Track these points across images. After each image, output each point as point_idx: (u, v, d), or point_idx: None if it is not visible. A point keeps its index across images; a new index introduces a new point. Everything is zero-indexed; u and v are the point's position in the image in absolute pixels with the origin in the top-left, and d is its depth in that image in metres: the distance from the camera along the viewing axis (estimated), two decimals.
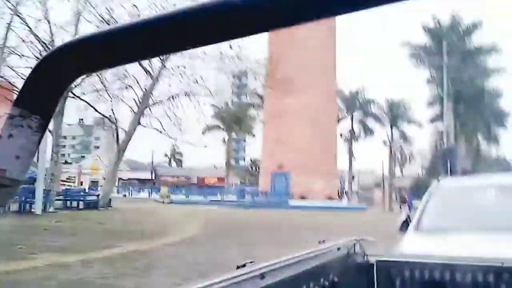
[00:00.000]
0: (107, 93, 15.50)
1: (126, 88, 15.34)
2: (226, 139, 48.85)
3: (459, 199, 4.39)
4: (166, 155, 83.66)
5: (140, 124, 15.87)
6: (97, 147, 78.94)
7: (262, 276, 1.21)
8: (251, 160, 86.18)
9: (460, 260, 1.96)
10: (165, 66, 14.72)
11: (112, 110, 16.18)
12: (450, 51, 33.43)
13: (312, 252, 1.57)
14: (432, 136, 58.31)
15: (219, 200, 34.22)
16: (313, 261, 1.51)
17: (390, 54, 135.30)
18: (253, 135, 53.22)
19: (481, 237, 3.66)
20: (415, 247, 3.75)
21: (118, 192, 40.69)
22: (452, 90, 34.84)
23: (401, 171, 66.80)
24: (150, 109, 15.79)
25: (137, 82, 14.97)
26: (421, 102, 41.73)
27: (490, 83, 38.89)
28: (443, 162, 27.85)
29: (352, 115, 46.63)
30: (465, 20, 37.19)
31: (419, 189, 28.24)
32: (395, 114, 46.21)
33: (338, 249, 1.75)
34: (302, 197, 32.60)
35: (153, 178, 56.54)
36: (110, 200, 20.54)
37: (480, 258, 1.94)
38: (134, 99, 15.35)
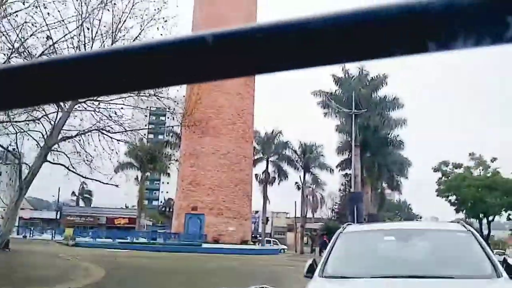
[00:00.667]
0: (12, 126, 14.52)
1: (34, 121, 14.45)
2: (139, 178, 47.36)
3: (362, 245, 4.60)
4: (73, 193, 79.25)
5: (46, 160, 14.95)
6: None
7: None
8: (165, 201, 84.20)
9: None
10: (78, 100, 14.15)
11: (17, 144, 15.15)
12: (358, 101, 35.70)
13: None
14: (341, 181, 61.07)
15: (129, 242, 32.74)
16: None
17: (306, 100, 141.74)
18: (168, 175, 52.27)
19: (381, 284, 3.84)
20: None
21: (18, 233, 37.57)
22: (359, 139, 37.01)
23: (313, 215, 68.80)
24: (58, 145, 14.95)
25: (46, 116, 14.19)
26: (332, 148, 43.68)
27: (393, 134, 41.81)
28: (350, 207, 29.13)
29: (268, 158, 47.65)
30: (371, 72, 40.13)
31: (329, 232, 29.11)
32: (308, 158, 47.94)
33: None
34: (216, 240, 32.19)
35: (58, 218, 53.00)
36: (8, 241, 18.85)
37: None
38: (41, 133, 14.49)
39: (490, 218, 49.86)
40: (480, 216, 48.60)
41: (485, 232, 46.52)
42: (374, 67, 40.37)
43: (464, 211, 48.07)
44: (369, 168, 40.56)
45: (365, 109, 36.06)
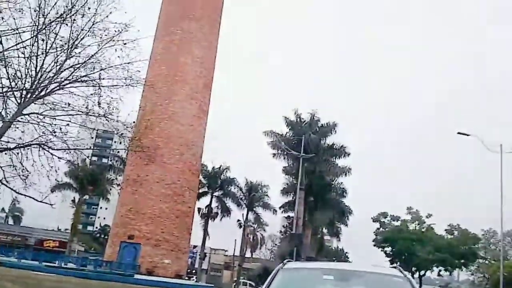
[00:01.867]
0: None
1: None
2: (76, 200, 45.47)
3: (301, 282, 4.60)
4: (3, 209, 74.82)
5: None
6: None
7: None
8: (100, 227, 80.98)
9: None
10: (21, 112, 13.57)
11: None
12: (307, 146, 36.46)
13: None
14: (283, 223, 61.26)
15: (57, 267, 30.94)
16: None
17: (256, 139, 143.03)
18: (108, 200, 50.55)
19: None
20: None
21: None
22: (305, 182, 37.56)
23: (252, 254, 68.25)
24: None
25: None
26: (277, 189, 43.99)
27: (337, 181, 42.79)
28: (290, 247, 29.19)
29: (213, 193, 47.26)
30: (322, 119, 41.27)
31: (266, 273, 28.86)
32: (253, 197, 47.97)
33: None
34: (150, 272, 31.07)
35: None
36: None
37: None
38: None
39: (422, 272, 51.35)
40: (413, 270, 49.98)
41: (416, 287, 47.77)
42: (325, 114, 41.63)
43: (398, 263, 49.29)
44: (312, 213, 41.05)
45: (313, 154, 36.82)
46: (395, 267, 4.72)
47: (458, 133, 31.95)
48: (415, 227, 53.77)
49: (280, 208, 45.77)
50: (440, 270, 52.36)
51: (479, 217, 75.30)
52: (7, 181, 14.13)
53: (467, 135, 31.70)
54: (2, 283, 14.18)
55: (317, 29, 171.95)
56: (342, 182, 42.53)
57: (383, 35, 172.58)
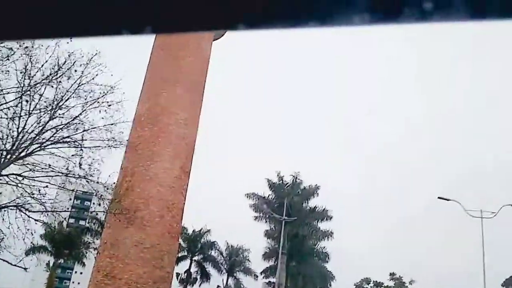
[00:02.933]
0: None
1: None
2: (51, 264, 43.78)
3: None
4: None
5: None
6: None
7: None
8: None
9: None
10: (0, 173, 13.37)
11: None
12: (289, 208, 36.30)
13: None
14: None
15: None
16: None
17: (237, 200, 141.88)
18: (83, 264, 48.73)
19: None
20: None
21: None
22: (287, 246, 37.02)
23: None
24: None
25: None
26: (258, 253, 43.20)
27: (320, 246, 42.26)
28: None
29: (192, 257, 46.08)
30: (305, 182, 41.36)
31: None
32: (233, 262, 46.86)
33: None
34: None
35: None
36: None
37: None
38: None
39: None
40: None
41: None
42: (306, 177, 41.83)
43: None
44: (294, 278, 40.14)
45: (295, 217, 36.59)
46: None
47: (439, 197, 32.36)
48: None
49: (261, 273, 44.69)
50: None
51: (462, 284, 74.43)
52: None
53: (447, 200, 32.09)
54: None
55: (305, 89, 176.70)
56: (324, 247, 42.02)
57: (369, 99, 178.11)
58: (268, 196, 40.70)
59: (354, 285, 55.68)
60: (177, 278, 44.16)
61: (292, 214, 36.41)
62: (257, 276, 46.41)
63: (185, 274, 45.94)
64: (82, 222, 72.00)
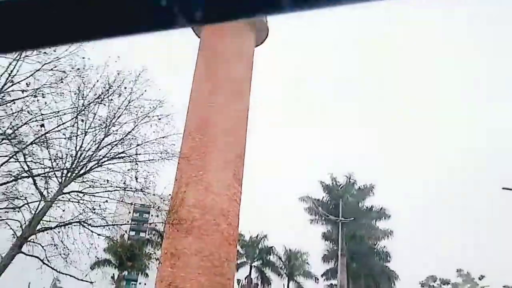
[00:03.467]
0: None
1: (14, 209, 14.06)
2: (116, 277, 45.27)
3: None
4: None
5: (21, 251, 14.29)
6: None
7: None
8: None
9: None
10: (62, 191, 13.93)
11: None
12: (345, 209, 35.67)
13: None
14: None
15: None
16: None
17: (292, 206, 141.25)
18: (147, 275, 50.06)
19: None
20: None
21: None
22: (346, 248, 36.35)
23: None
24: (36, 236, 14.41)
25: (28, 204, 13.84)
26: (317, 256, 42.73)
27: (380, 245, 41.26)
28: None
29: (251, 263, 46.25)
30: (359, 181, 40.62)
31: None
32: (293, 265, 46.59)
33: None
34: None
35: None
36: None
37: None
38: (20, 222, 14.01)
39: None
40: None
41: None
42: (361, 176, 41.02)
43: None
44: (356, 279, 39.33)
45: (352, 218, 35.91)
46: None
47: (503, 188, 30.73)
48: None
49: (322, 276, 44.13)
50: None
51: None
52: (48, 261, 14.26)
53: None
54: None
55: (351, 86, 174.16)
56: (385, 246, 40.96)
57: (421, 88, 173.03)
58: (323, 198, 40.24)
59: (420, 283, 53.88)
60: (238, 284, 44.41)
61: (348, 215, 35.76)
62: (317, 279, 45.91)
63: (246, 280, 46.14)
64: (142, 234, 74.09)
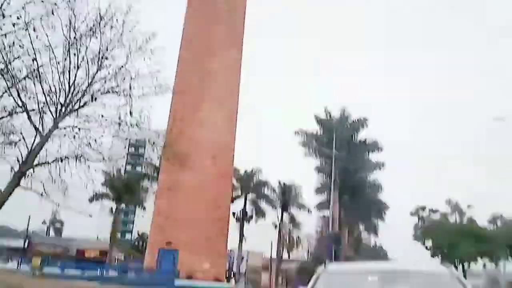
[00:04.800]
0: None
1: (11, 144, 14.05)
2: (114, 209, 46.33)
3: (344, 285, 4.45)
4: (44, 222, 77.02)
5: (19, 185, 14.45)
6: None
7: None
8: (138, 234, 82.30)
9: None
10: (57, 126, 13.88)
11: None
12: (338, 143, 36.05)
13: None
14: (319, 222, 60.80)
15: (99, 276, 31.63)
16: None
17: (286, 139, 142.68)
18: (144, 208, 51.28)
19: None
20: None
21: None
22: (338, 180, 37.12)
23: (289, 255, 67.95)
24: (33, 170, 14.51)
25: (24, 139, 13.82)
26: (310, 188, 43.70)
27: (371, 177, 42.19)
28: (328, 248, 28.85)
29: (246, 196, 47.30)
30: (353, 115, 40.77)
31: (304, 273, 28.73)
32: (287, 198, 47.77)
33: None
34: (189, 277, 31.36)
35: (26, 247, 51.09)
36: None
37: None
38: (17, 158, 14.06)
39: (466, 265, 49.99)
40: (456, 263, 48.74)
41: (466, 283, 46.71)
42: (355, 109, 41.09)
43: (440, 257, 48.12)
44: (347, 210, 40.55)
45: (345, 151, 36.40)
46: (445, 266, 4.56)
47: (495, 118, 31.00)
48: (456, 219, 52.54)
49: (315, 207, 45.44)
50: (484, 263, 50.91)
51: None
52: (47, 194, 14.48)
53: (503, 120, 30.67)
54: None
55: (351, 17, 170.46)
56: (376, 178, 41.91)
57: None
58: (317, 132, 40.53)
59: (410, 213, 55.70)
60: (233, 216, 45.71)
61: (341, 148, 36.21)
62: (310, 211, 47.30)
63: (241, 213, 47.45)
64: (138, 169, 74.99)
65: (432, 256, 49.22)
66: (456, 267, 48.30)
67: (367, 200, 41.64)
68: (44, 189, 14.41)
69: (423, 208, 55.12)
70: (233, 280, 48.85)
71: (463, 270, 49.56)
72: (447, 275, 4.26)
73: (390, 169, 43.39)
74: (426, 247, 51.18)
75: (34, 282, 22.23)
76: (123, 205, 49.33)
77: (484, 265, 52.99)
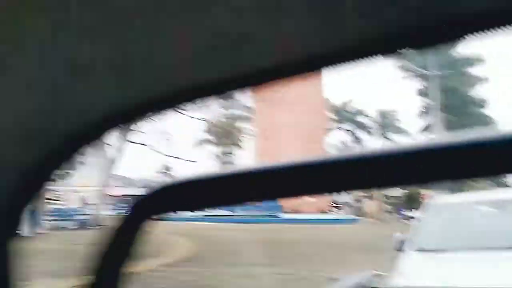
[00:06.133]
0: None
1: None
2: (218, 153, 48.64)
3: (455, 216, 4.29)
4: (156, 171, 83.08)
5: (127, 140, 15.60)
6: (83, 163, 77.81)
7: None
8: None
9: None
10: None
11: None
12: (438, 61, 33.84)
13: None
14: None
15: (211, 215, 33.80)
16: None
17: (381, 65, 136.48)
18: (241, 148, 52.97)
19: (480, 257, 3.56)
20: (415, 268, 3.63)
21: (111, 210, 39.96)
22: (441, 100, 35.16)
23: None
24: (138, 125, 15.53)
25: None
26: (411, 113, 42.07)
27: (475, 93, 39.73)
28: None
29: (342, 126, 46.79)
30: None
31: (409, 200, 28.33)
32: (384, 124, 46.45)
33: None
34: (294, 211, 32.29)
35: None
36: (102, 218, 20.13)
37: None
38: None
39: None
40: None
41: None
42: None
43: None
44: (452, 130, 38.61)
45: (446, 69, 34.21)
46: None
47: None
48: None
49: (419, 131, 43.80)
50: None
51: None
52: (154, 146, 15.50)
53: None
54: (176, 237, 15.37)
55: None
56: (479, 93, 39.41)
57: None
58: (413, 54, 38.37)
59: None
60: (331, 148, 45.65)
61: (441, 67, 34.01)
62: (409, 134, 45.68)
63: (339, 143, 47.19)
64: (232, 112, 76.84)
65: None
66: None
67: (472, 118, 39.38)
68: (152, 142, 15.43)
69: None
70: (337, 210, 49.58)
71: None
72: None
73: (494, 83, 40.18)
74: None
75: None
76: (223, 148, 51.44)
77: None
